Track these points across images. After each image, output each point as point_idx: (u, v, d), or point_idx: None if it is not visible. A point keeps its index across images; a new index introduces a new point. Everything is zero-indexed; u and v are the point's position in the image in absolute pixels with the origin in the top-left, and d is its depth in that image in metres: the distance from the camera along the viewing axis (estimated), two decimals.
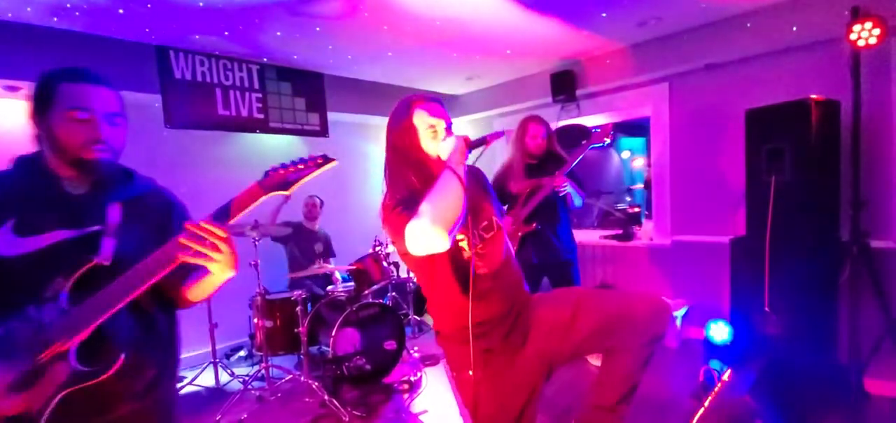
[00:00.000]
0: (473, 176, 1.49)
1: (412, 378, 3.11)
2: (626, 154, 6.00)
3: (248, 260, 3.09)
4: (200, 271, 1.09)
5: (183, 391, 3.17)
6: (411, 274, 4.16)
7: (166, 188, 1.24)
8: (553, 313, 1.50)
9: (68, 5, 2.54)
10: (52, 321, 0.95)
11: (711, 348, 3.06)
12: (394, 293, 4.12)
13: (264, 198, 1.06)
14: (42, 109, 1.04)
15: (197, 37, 3.12)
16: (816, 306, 2.51)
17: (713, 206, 3.45)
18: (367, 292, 3.25)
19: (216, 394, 3.13)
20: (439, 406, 2.76)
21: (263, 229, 3.09)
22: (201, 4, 2.62)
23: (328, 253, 4.06)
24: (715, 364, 2.77)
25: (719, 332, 3.05)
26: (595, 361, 1.61)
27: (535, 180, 2.70)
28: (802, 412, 2.31)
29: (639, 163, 5.79)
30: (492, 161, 3.50)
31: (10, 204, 1.01)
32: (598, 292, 1.62)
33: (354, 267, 3.26)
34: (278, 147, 4.17)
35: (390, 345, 3.17)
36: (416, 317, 4.22)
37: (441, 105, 1.42)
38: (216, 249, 1.00)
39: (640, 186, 5.54)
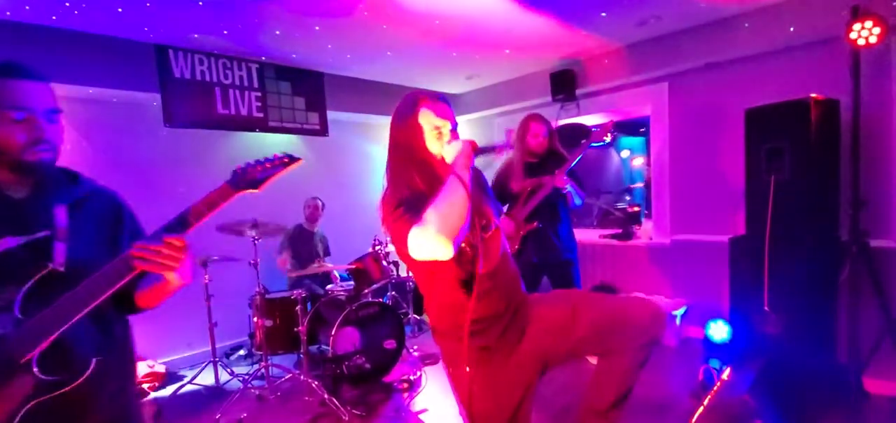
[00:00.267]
0: (473, 177, 1.48)
1: (412, 377, 3.11)
2: (625, 153, 6.00)
3: (248, 259, 3.09)
4: (151, 279, 1.07)
5: (183, 391, 3.18)
6: (410, 272, 4.16)
7: (111, 189, 1.19)
8: (551, 313, 1.50)
9: (67, 4, 2.54)
10: (8, 333, 0.91)
11: (711, 348, 3.06)
12: (393, 292, 4.12)
13: (236, 196, 1.04)
14: None
15: (196, 36, 3.12)
16: (816, 306, 2.51)
17: (713, 205, 3.45)
18: (366, 291, 3.25)
19: (216, 393, 3.13)
20: (439, 405, 2.76)
21: (263, 228, 3.09)
22: (200, 3, 2.62)
23: (326, 254, 4.06)
24: (714, 363, 2.77)
25: (719, 331, 3.05)
26: (594, 360, 1.61)
27: (536, 179, 2.70)
28: (802, 411, 2.31)
29: (638, 162, 5.80)
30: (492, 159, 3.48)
31: None
32: (596, 295, 1.62)
33: (354, 266, 3.26)
34: (278, 146, 4.17)
35: (390, 344, 3.17)
36: (415, 316, 4.23)
37: (448, 105, 1.40)
38: (173, 259, 0.96)
39: (639, 185, 5.54)
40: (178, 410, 2.95)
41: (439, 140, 1.36)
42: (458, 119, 5.28)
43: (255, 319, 3.24)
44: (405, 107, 1.39)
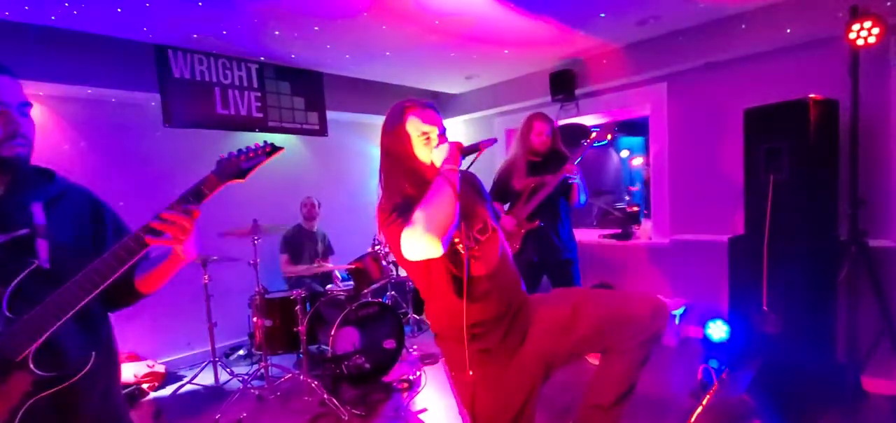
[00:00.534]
0: (467, 180, 1.50)
1: (411, 377, 3.11)
2: (625, 153, 6.01)
3: (248, 260, 3.10)
4: (151, 262, 1.08)
5: (182, 391, 3.18)
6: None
7: (85, 186, 1.18)
8: (551, 313, 1.50)
9: (66, 4, 2.54)
10: (1, 332, 0.91)
11: (710, 347, 3.07)
12: (393, 292, 4.12)
13: (221, 187, 1.04)
14: None
15: (195, 36, 3.11)
16: (815, 305, 2.52)
17: (712, 205, 3.45)
18: (366, 290, 3.25)
19: (215, 393, 3.13)
20: (438, 405, 2.77)
21: (262, 228, 3.09)
22: (200, 4, 2.62)
23: (328, 252, 4.06)
24: (713, 363, 2.78)
25: (718, 331, 3.05)
26: (594, 360, 1.61)
27: (538, 178, 2.70)
28: (800, 410, 2.32)
29: (638, 162, 5.80)
30: (493, 158, 3.51)
31: None
32: (597, 293, 1.62)
33: (354, 266, 3.26)
34: None
35: (389, 344, 3.17)
36: (415, 316, 4.23)
37: (435, 111, 1.43)
38: (188, 231, 0.98)
39: (638, 185, 5.55)
40: (177, 410, 2.95)
41: (427, 145, 1.40)
42: (458, 119, 5.28)
43: (255, 319, 3.24)
44: (393, 116, 1.43)
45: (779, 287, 2.54)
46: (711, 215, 3.46)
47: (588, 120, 4.33)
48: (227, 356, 3.83)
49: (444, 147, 1.38)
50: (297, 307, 3.06)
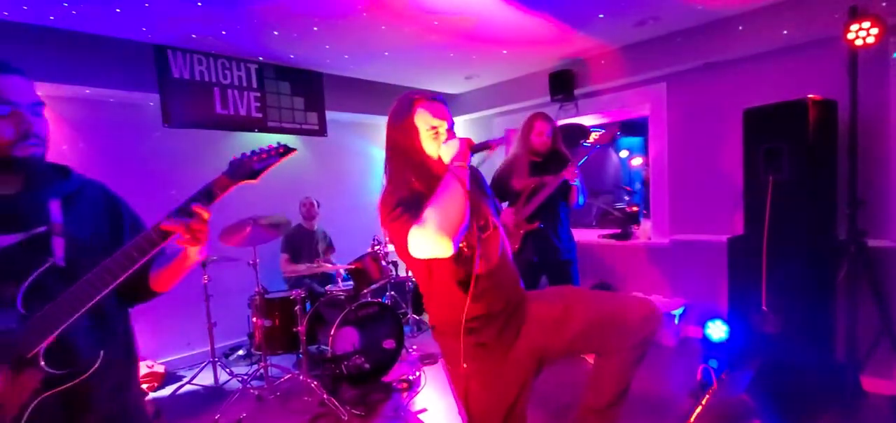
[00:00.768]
0: (471, 176, 1.49)
1: (411, 377, 3.12)
2: (624, 153, 6.01)
3: (247, 260, 3.09)
4: (163, 260, 1.09)
5: (182, 391, 3.17)
6: (409, 272, 4.16)
7: (102, 182, 1.18)
8: (544, 309, 1.51)
9: (65, 4, 2.53)
10: (13, 328, 0.92)
11: (709, 347, 3.07)
12: (392, 292, 4.12)
13: (233, 187, 1.05)
14: None
15: (194, 36, 3.11)
16: (814, 305, 2.52)
17: (711, 205, 3.46)
18: (365, 291, 3.25)
19: (215, 393, 3.13)
20: (438, 405, 2.77)
21: (267, 219, 3.09)
22: (199, 4, 2.61)
23: (330, 250, 4.07)
24: (713, 363, 2.78)
25: (717, 331, 3.06)
26: (592, 359, 1.62)
27: (538, 178, 2.70)
28: (800, 410, 2.32)
29: (637, 162, 5.80)
30: (493, 157, 3.49)
31: None
32: (591, 293, 1.62)
33: (353, 266, 3.26)
34: None
35: (389, 344, 3.17)
36: (414, 316, 4.23)
37: (444, 105, 1.41)
38: (198, 231, 0.98)
39: (638, 185, 5.55)
40: (177, 410, 2.95)
41: (436, 140, 1.38)
42: (458, 119, 5.28)
43: (255, 319, 3.24)
44: (401, 108, 1.40)
45: (778, 287, 2.54)
46: (711, 216, 3.46)
47: (587, 120, 4.34)
48: (227, 356, 3.83)
49: (455, 143, 1.34)
50: (297, 307, 3.06)
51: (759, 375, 2.48)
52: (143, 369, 3.24)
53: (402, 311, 4.24)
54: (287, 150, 1.09)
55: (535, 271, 2.82)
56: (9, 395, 0.91)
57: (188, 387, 3.20)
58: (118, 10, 2.65)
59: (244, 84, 3.62)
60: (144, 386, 3.17)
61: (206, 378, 3.25)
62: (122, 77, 3.13)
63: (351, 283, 3.39)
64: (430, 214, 1.20)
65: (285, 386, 3.09)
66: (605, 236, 4.18)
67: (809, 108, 2.47)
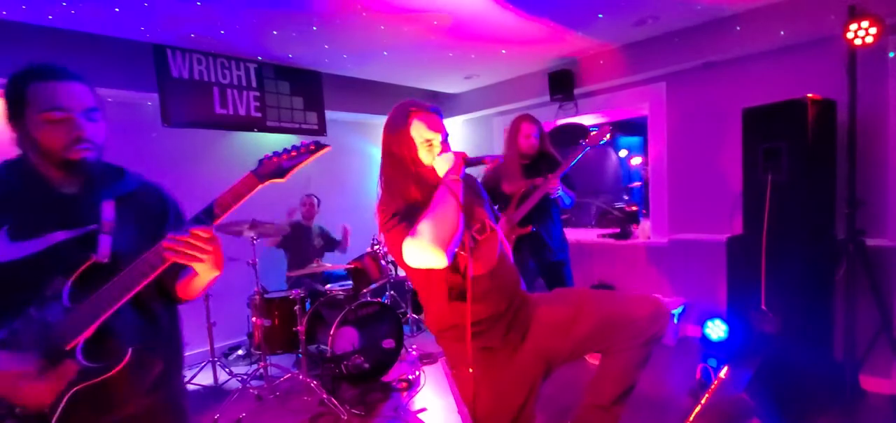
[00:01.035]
0: (466, 182, 1.50)
1: (410, 377, 3.12)
2: (623, 153, 6.01)
3: (247, 259, 3.09)
4: (189, 271, 1.10)
5: None
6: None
7: (158, 183, 1.23)
8: (553, 313, 1.51)
9: (64, 3, 2.53)
10: (57, 320, 0.96)
11: (708, 346, 3.08)
12: (392, 292, 4.12)
13: (260, 187, 1.06)
14: (17, 112, 1.02)
15: (193, 35, 3.11)
16: (812, 304, 2.53)
17: (710, 204, 3.46)
18: (365, 290, 3.25)
19: (214, 393, 3.13)
20: (437, 405, 2.77)
21: (262, 228, 3.09)
22: (198, 3, 2.61)
23: (329, 246, 4.07)
24: (712, 362, 2.79)
25: (716, 330, 3.06)
26: (594, 360, 1.62)
27: (529, 181, 2.69)
28: (799, 409, 2.33)
29: (636, 161, 5.80)
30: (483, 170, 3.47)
31: (2, 210, 1.00)
32: (599, 293, 1.63)
33: (352, 266, 3.26)
34: (276, 146, 4.15)
35: (389, 344, 3.17)
36: (414, 316, 4.23)
37: (439, 116, 1.42)
38: (202, 251, 0.99)
39: (637, 184, 5.55)
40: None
41: (430, 151, 1.39)
42: (457, 119, 5.28)
43: (254, 318, 3.23)
44: (397, 117, 1.42)
45: (777, 286, 2.55)
46: (710, 215, 3.46)
47: (587, 120, 4.34)
48: (226, 355, 3.82)
49: (449, 157, 1.36)
50: (296, 307, 3.06)
51: (758, 374, 2.49)
52: None
53: (402, 310, 4.24)
54: (319, 146, 1.09)
55: (531, 274, 2.82)
56: (47, 385, 0.95)
57: (187, 387, 3.20)
58: (117, 10, 2.65)
59: (243, 84, 3.62)
60: None
61: (205, 378, 3.25)
62: (121, 76, 3.12)
63: (350, 282, 3.40)
64: (424, 227, 1.23)
65: (285, 386, 3.09)
66: (604, 236, 4.18)
67: (808, 107, 2.47)
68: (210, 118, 3.47)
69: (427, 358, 3.45)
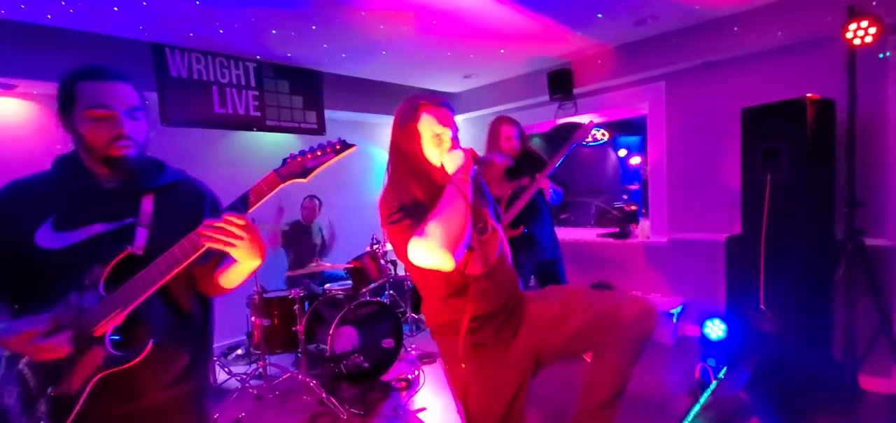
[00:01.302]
0: (473, 180, 1.50)
1: (410, 376, 3.12)
2: (623, 152, 6.02)
3: None
4: (229, 259, 1.13)
5: None
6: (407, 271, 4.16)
7: (197, 178, 1.27)
8: (542, 309, 1.52)
9: (62, 3, 2.52)
10: (92, 307, 1.02)
11: (707, 346, 3.08)
12: (391, 292, 4.12)
13: (282, 186, 1.07)
14: (66, 110, 1.07)
15: (191, 34, 3.10)
16: (811, 304, 2.53)
17: (709, 204, 3.46)
18: (364, 290, 3.25)
19: (214, 392, 3.12)
20: (437, 404, 2.77)
21: (260, 228, 3.09)
22: (197, 2, 2.61)
23: (330, 241, 4.08)
24: (711, 361, 2.79)
25: (715, 329, 3.06)
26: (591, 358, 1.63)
27: (516, 183, 2.68)
28: (797, 408, 2.33)
29: (636, 161, 5.81)
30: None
31: (50, 202, 1.07)
32: (588, 292, 1.63)
33: (352, 265, 3.26)
34: (275, 145, 4.16)
35: (388, 343, 3.17)
36: (413, 315, 4.23)
37: (450, 111, 1.40)
38: (237, 237, 1.02)
39: (636, 186, 5.56)
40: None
41: (439, 147, 1.37)
42: (457, 118, 5.26)
43: (253, 318, 3.23)
44: (406, 112, 1.39)
45: (776, 286, 2.55)
46: (709, 215, 3.47)
47: (586, 119, 4.33)
48: (226, 355, 3.82)
49: (459, 155, 1.33)
50: (296, 307, 3.06)
51: (757, 373, 2.49)
52: None
53: (401, 310, 4.24)
54: (345, 146, 1.10)
55: (524, 274, 2.82)
56: (77, 368, 1.00)
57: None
58: (116, 9, 2.65)
59: (242, 83, 3.61)
60: None
61: None
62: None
63: (349, 282, 3.40)
64: (432, 228, 1.21)
65: (284, 385, 3.09)
66: (603, 235, 4.18)
67: (808, 107, 2.47)
68: (209, 117, 3.46)
69: (426, 358, 3.45)
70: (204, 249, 1.02)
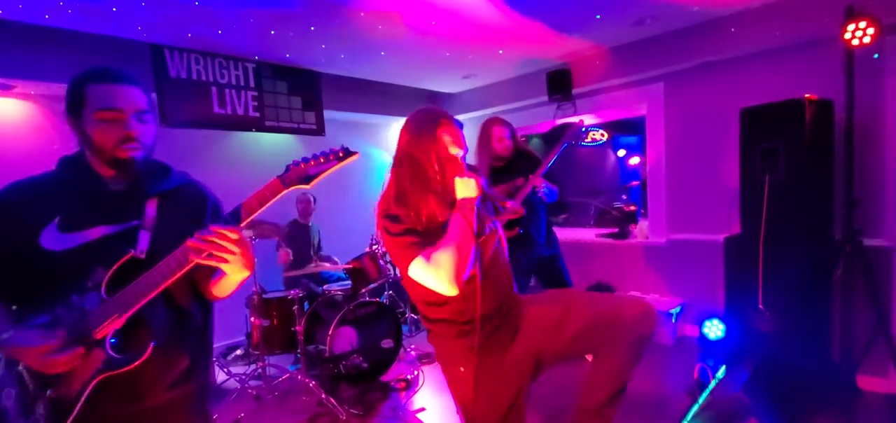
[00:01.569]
0: None
1: (409, 376, 3.12)
2: (621, 152, 6.02)
3: None
4: (220, 271, 1.12)
5: None
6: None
7: (201, 182, 1.28)
8: (543, 312, 1.52)
9: (61, 3, 2.52)
10: (93, 310, 1.02)
11: (706, 346, 3.08)
12: (391, 292, 4.12)
13: (285, 192, 1.08)
14: (75, 111, 1.07)
15: (189, 35, 3.10)
16: (810, 304, 2.53)
17: (708, 204, 3.47)
18: (363, 290, 3.25)
19: (213, 393, 3.12)
20: (436, 404, 2.77)
21: (260, 229, 3.09)
22: (196, 3, 2.60)
23: (318, 248, 4.07)
24: (709, 362, 2.79)
25: (714, 329, 3.07)
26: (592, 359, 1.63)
27: (509, 183, 2.68)
28: (796, 408, 2.33)
29: (635, 161, 5.82)
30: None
31: (55, 203, 1.06)
32: (587, 294, 1.64)
33: (351, 266, 3.26)
34: (274, 146, 4.16)
35: (387, 343, 3.17)
36: (412, 315, 4.23)
37: (462, 131, 1.40)
38: (227, 251, 1.01)
39: (635, 184, 5.56)
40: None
41: (449, 166, 1.37)
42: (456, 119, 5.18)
43: (252, 318, 3.23)
44: (424, 122, 1.37)
45: (774, 286, 2.55)
46: (708, 215, 3.47)
47: (585, 120, 4.34)
48: (225, 355, 3.82)
49: (471, 184, 1.33)
50: (295, 307, 3.06)
51: (756, 373, 2.49)
52: None
53: (400, 310, 4.24)
54: (348, 153, 1.12)
55: (523, 274, 2.82)
56: (76, 371, 1.00)
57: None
58: (114, 9, 2.64)
59: (241, 83, 3.61)
60: None
61: None
62: None
63: (349, 283, 3.39)
64: (443, 258, 1.23)
65: (283, 386, 3.08)
66: (602, 236, 4.19)
67: (806, 107, 2.48)
68: (208, 118, 3.46)
69: (426, 358, 3.45)
70: (193, 263, 1.02)
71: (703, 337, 3.12)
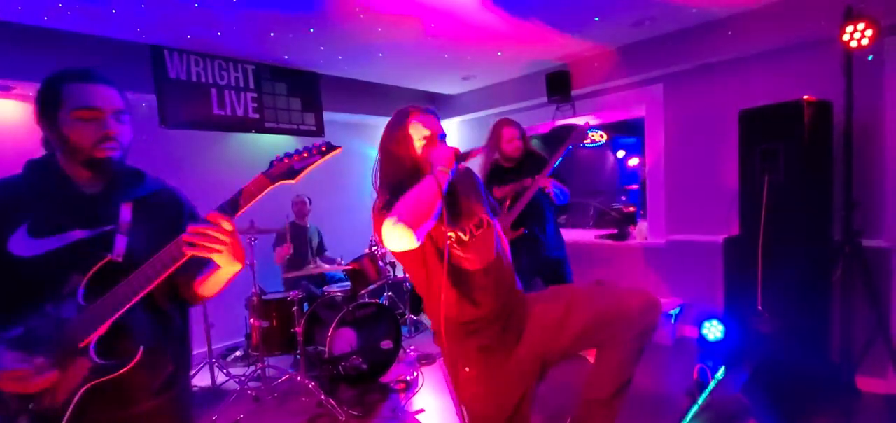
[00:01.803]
0: (465, 176, 1.52)
1: (409, 378, 3.12)
2: (621, 153, 6.03)
3: (245, 260, 3.09)
4: (210, 267, 1.12)
5: None
6: (407, 274, 4.16)
7: (176, 187, 1.26)
8: (546, 311, 1.51)
9: (60, 5, 2.52)
10: (71, 318, 0.99)
11: (705, 347, 3.08)
12: (390, 293, 4.12)
13: (271, 188, 1.07)
14: (49, 111, 1.04)
15: (188, 36, 3.10)
16: (809, 305, 2.54)
17: (707, 205, 3.47)
18: (363, 291, 3.25)
19: (212, 394, 3.12)
20: (436, 405, 2.77)
21: (259, 229, 3.09)
22: (196, 5, 2.60)
23: (321, 248, 4.07)
24: (709, 362, 2.79)
25: (713, 330, 3.07)
26: (592, 357, 1.63)
27: (517, 183, 2.69)
28: (795, 409, 2.33)
29: (634, 162, 5.82)
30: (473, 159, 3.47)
31: (24, 207, 1.03)
32: (590, 289, 1.63)
33: (351, 267, 3.26)
34: (274, 147, 4.15)
35: (387, 344, 3.17)
36: (412, 316, 4.23)
37: (436, 117, 1.46)
38: (221, 242, 1.01)
39: (634, 187, 5.57)
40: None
41: (426, 148, 1.41)
42: (455, 120, 5.28)
43: (252, 320, 3.23)
44: (396, 120, 1.46)
45: (774, 287, 2.56)
46: (707, 216, 3.47)
47: (584, 121, 4.34)
48: (224, 357, 3.81)
49: (442, 149, 1.39)
50: (294, 308, 3.06)
51: (755, 374, 2.50)
52: None
53: (400, 311, 4.24)
54: (330, 147, 1.11)
55: (527, 275, 2.83)
56: (60, 382, 0.97)
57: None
58: (114, 11, 2.64)
59: (241, 85, 3.61)
60: None
61: (203, 380, 3.24)
62: (118, 77, 3.08)
63: (348, 283, 3.39)
64: (398, 205, 1.25)
65: (283, 387, 3.08)
66: (601, 237, 4.19)
67: (805, 109, 2.48)
68: (208, 119, 3.46)
69: (425, 359, 3.45)
70: (188, 256, 1.00)
71: (702, 338, 3.12)
